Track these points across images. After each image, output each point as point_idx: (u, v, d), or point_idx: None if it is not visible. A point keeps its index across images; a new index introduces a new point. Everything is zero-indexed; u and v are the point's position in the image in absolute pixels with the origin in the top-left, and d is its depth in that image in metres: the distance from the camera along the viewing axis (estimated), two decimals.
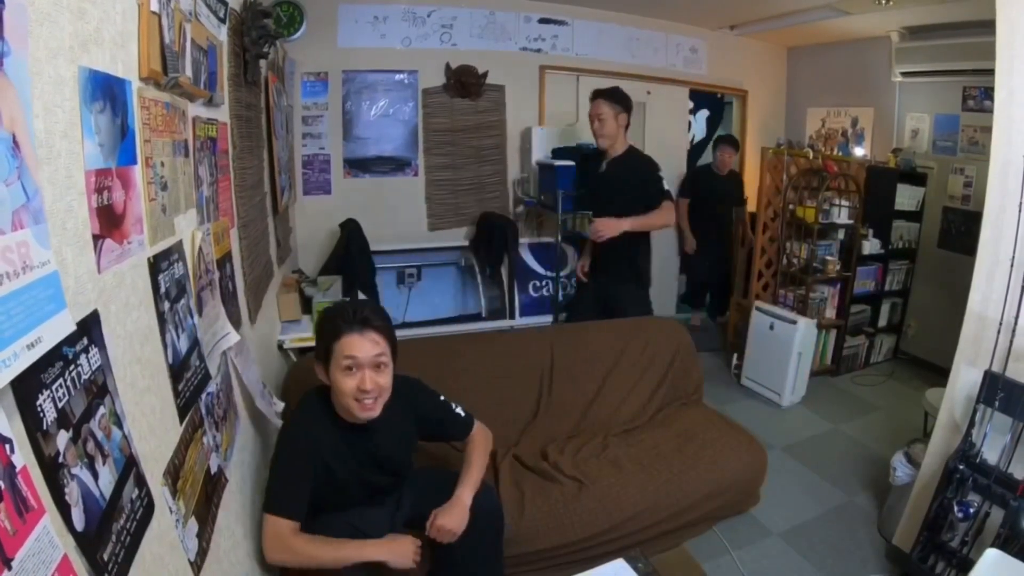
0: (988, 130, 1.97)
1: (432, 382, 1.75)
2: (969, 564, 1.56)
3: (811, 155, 3.89)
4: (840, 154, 4.17)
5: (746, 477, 2.18)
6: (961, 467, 1.79)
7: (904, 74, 3.95)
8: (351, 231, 3.22)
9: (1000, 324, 1.78)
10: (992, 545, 1.51)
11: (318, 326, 1.49)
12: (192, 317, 1.12)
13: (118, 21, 0.84)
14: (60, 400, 0.65)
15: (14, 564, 0.54)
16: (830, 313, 3.83)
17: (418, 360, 1.85)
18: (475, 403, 2.12)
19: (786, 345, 3.35)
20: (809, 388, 3.50)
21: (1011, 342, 1.75)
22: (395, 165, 3.68)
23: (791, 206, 3.82)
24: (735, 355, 3.83)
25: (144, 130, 0.92)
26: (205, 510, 1.11)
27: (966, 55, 3.43)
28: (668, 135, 4.40)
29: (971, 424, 1.81)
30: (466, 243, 3.80)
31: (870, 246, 3.80)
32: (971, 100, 3.62)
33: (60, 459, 0.64)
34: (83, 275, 0.73)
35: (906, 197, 3.85)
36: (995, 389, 1.73)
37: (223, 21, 1.49)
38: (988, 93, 3.42)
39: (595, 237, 2.71)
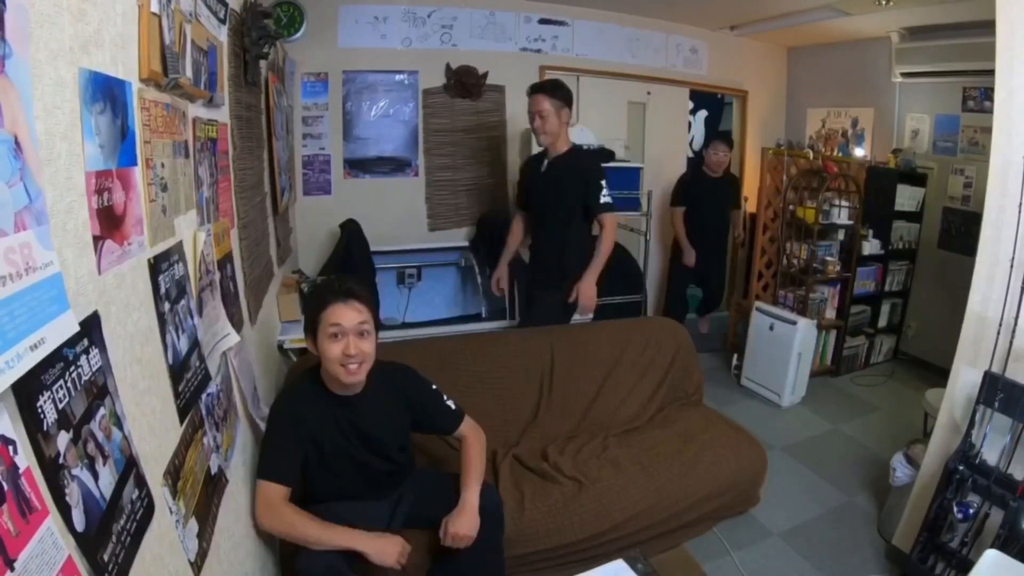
0: (988, 131, 1.97)
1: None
2: (969, 565, 1.56)
3: (811, 156, 3.89)
4: (840, 155, 4.17)
5: (746, 478, 2.18)
6: (961, 468, 1.80)
7: (904, 75, 3.95)
8: (351, 231, 3.22)
9: (1000, 325, 1.78)
10: (992, 546, 1.51)
11: (307, 300, 1.59)
12: (192, 318, 1.12)
13: (118, 22, 0.85)
14: (60, 401, 0.65)
15: (17, 565, 0.54)
16: (830, 314, 3.83)
17: (418, 360, 1.85)
18: (475, 403, 2.13)
19: (786, 346, 3.35)
20: (809, 388, 3.50)
21: (1011, 343, 1.75)
22: (395, 165, 3.68)
23: (791, 207, 3.83)
24: (735, 355, 3.83)
25: (144, 131, 0.92)
26: (206, 510, 1.11)
27: (966, 56, 3.44)
28: (668, 136, 4.40)
29: (971, 425, 1.81)
30: (466, 243, 3.80)
31: (870, 247, 3.80)
32: (971, 101, 3.62)
33: (60, 460, 0.64)
34: (83, 276, 0.73)
35: (906, 197, 3.85)
36: (995, 390, 1.73)
37: (223, 22, 1.49)
38: (988, 94, 3.42)
39: (587, 312, 2.65)
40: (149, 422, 0.90)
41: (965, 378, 1.90)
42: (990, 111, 2.00)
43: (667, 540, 2.03)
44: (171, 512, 0.93)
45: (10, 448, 0.56)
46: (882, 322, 4.06)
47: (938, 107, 3.83)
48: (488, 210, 3.81)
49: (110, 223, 0.80)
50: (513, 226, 2.91)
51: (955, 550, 1.80)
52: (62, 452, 0.64)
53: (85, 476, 0.68)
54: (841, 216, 3.71)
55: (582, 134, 3.53)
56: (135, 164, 0.89)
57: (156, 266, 0.96)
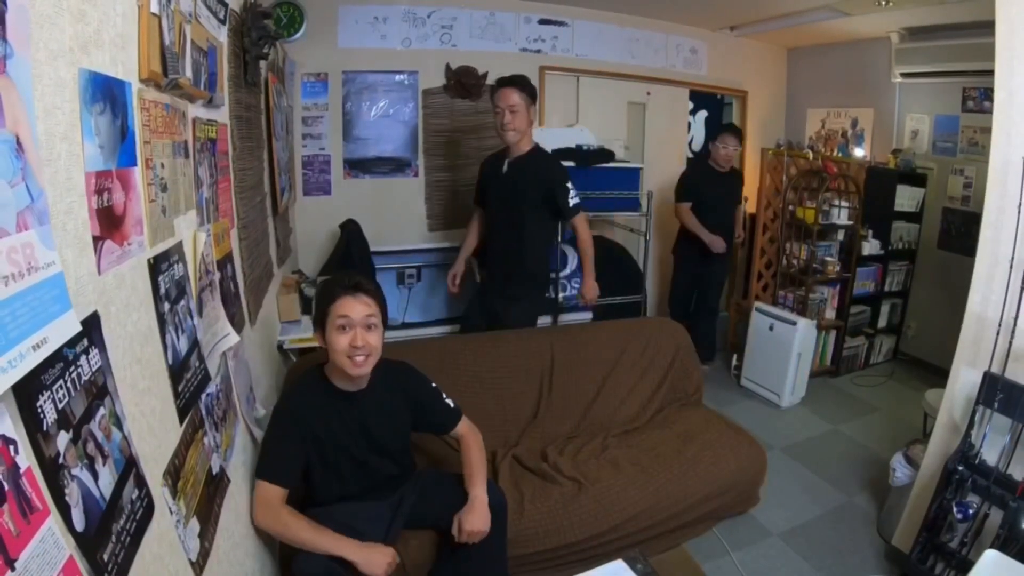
0: (988, 131, 1.97)
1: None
2: (968, 565, 1.56)
3: (811, 156, 3.89)
4: (840, 155, 4.17)
5: (746, 478, 2.18)
6: (960, 468, 1.80)
7: (904, 75, 3.95)
8: (351, 232, 3.22)
9: (999, 325, 1.78)
10: (991, 546, 1.52)
11: (317, 295, 1.60)
12: (192, 318, 1.12)
13: (118, 23, 0.85)
14: (60, 401, 0.65)
15: (18, 565, 0.54)
16: (830, 314, 3.83)
17: (419, 361, 1.85)
18: (475, 403, 2.13)
19: (786, 346, 3.35)
20: (809, 389, 3.50)
21: (1010, 343, 1.75)
22: (395, 166, 3.68)
23: (791, 207, 3.83)
24: (735, 356, 3.83)
25: (144, 131, 0.92)
26: (207, 510, 1.11)
27: (966, 56, 3.44)
28: (668, 136, 4.40)
29: (970, 425, 1.81)
30: None
31: (870, 247, 3.80)
32: (971, 101, 3.62)
33: (60, 460, 0.64)
34: (83, 276, 0.73)
35: (906, 198, 3.85)
36: (994, 390, 1.73)
37: (223, 22, 1.49)
38: (988, 94, 3.42)
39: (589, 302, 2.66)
40: (149, 422, 0.90)
41: (965, 378, 1.90)
42: (990, 111, 2.00)
43: (667, 540, 2.03)
44: (171, 512, 0.93)
45: (11, 448, 0.56)
46: (882, 322, 4.06)
47: (938, 107, 3.84)
48: None
49: (110, 223, 0.80)
50: (472, 223, 2.85)
51: (955, 550, 1.80)
52: (62, 452, 0.64)
53: (85, 476, 0.68)
54: (841, 216, 3.71)
55: (582, 134, 3.53)
56: (135, 164, 0.89)
57: (156, 266, 0.96)
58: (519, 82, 2.44)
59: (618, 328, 2.63)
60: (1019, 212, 1.70)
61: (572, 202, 2.49)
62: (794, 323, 3.36)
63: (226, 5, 1.51)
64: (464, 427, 1.74)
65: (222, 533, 1.20)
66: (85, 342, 0.71)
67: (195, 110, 1.24)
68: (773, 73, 4.83)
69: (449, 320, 3.59)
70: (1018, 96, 1.75)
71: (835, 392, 3.66)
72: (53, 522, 0.60)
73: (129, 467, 0.80)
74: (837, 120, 4.48)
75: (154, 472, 0.89)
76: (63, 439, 0.65)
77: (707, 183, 3.51)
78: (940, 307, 3.81)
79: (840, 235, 3.83)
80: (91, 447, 0.70)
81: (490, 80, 3.73)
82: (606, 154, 3.38)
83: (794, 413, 3.36)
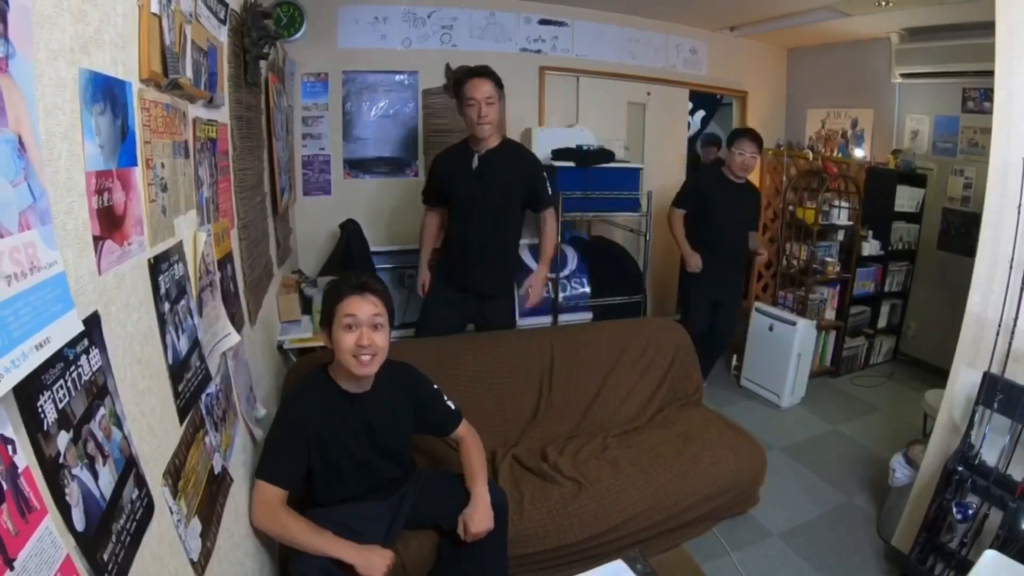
0: (988, 131, 1.97)
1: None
2: (968, 565, 1.56)
3: (811, 156, 3.90)
4: (840, 155, 4.18)
5: (745, 478, 2.18)
6: (960, 468, 1.80)
7: (904, 75, 3.95)
8: (351, 232, 3.22)
9: (999, 326, 1.78)
10: (991, 547, 1.52)
11: (324, 294, 1.60)
12: (192, 318, 1.12)
13: (119, 23, 0.85)
14: (61, 401, 0.65)
15: (16, 564, 0.54)
16: (830, 314, 3.83)
17: (419, 361, 1.85)
18: (475, 403, 2.13)
19: (786, 346, 3.35)
20: (809, 389, 3.50)
21: (1010, 344, 1.75)
22: (395, 166, 3.68)
23: (791, 207, 3.83)
24: (735, 356, 3.83)
25: (144, 131, 0.92)
26: (209, 510, 1.11)
27: (966, 57, 3.44)
28: (668, 137, 4.40)
29: (970, 425, 1.81)
30: None
31: (870, 247, 3.81)
32: (971, 101, 3.62)
33: (60, 460, 0.64)
34: (83, 276, 0.73)
35: (906, 198, 3.85)
36: (994, 390, 1.73)
37: (223, 22, 1.49)
38: (988, 95, 3.43)
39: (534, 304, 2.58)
40: (149, 422, 0.90)
41: (964, 379, 1.91)
42: (990, 112, 2.00)
43: (666, 540, 2.03)
44: (171, 512, 0.93)
45: (9, 448, 0.56)
46: (882, 323, 4.07)
47: (938, 108, 3.84)
48: None
49: (110, 223, 0.80)
50: (424, 225, 2.65)
51: (954, 551, 1.80)
52: (62, 452, 0.64)
53: (85, 476, 0.68)
54: (841, 217, 3.71)
55: (582, 134, 3.53)
56: (135, 164, 0.89)
57: (156, 266, 0.96)
58: (491, 72, 2.33)
59: (618, 328, 2.63)
60: (1019, 212, 1.70)
61: (551, 190, 2.49)
62: (794, 323, 3.36)
63: (226, 5, 1.51)
64: (464, 429, 1.75)
65: (223, 533, 1.20)
66: (85, 342, 0.71)
67: (195, 110, 1.24)
68: (773, 73, 4.83)
69: None
70: (1018, 96, 1.75)
71: (835, 392, 3.66)
72: (50, 521, 0.60)
73: (129, 467, 0.80)
74: (837, 120, 4.48)
75: (154, 472, 0.89)
76: (63, 439, 0.65)
77: (715, 192, 3.06)
78: (940, 307, 3.81)
79: (840, 235, 3.83)
80: (91, 447, 0.70)
81: None
82: (606, 154, 3.38)
83: (794, 413, 3.36)
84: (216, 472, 1.18)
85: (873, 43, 4.08)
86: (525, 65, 3.84)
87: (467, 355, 2.30)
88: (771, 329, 3.46)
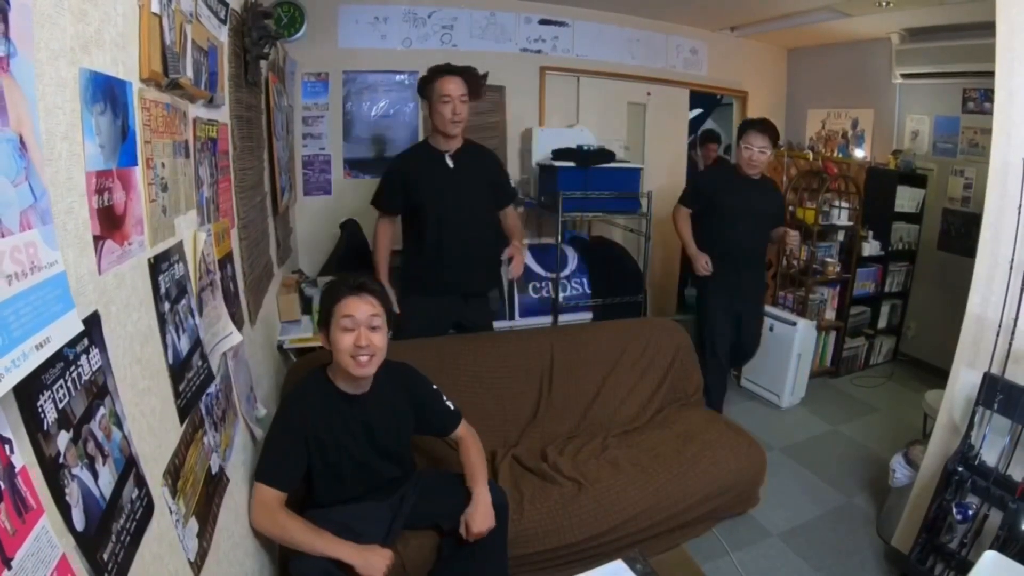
0: (988, 132, 1.97)
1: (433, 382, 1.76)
2: (968, 566, 1.56)
3: (811, 156, 3.90)
4: (840, 155, 4.18)
5: (745, 478, 2.18)
6: (960, 469, 1.80)
7: (904, 76, 3.95)
8: (351, 232, 3.22)
9: (999, 326, 1.78)
10: (991, 547, 1.52)
11: (322, 295, 1.61)
12: (193, 317, 1.12)
13: (119, 23, 0.85)
14: (60, 401, 0.65)
15: (14, 564, 0.54)
16: (830, 314, 3.83)
17: (418, 361, 1.85)
18: (475, 403, 2.13)
19: (786, 346, 3.35)
20: (808, 389, 3.50)
21: (1010, 344, 1.75)
22: None
23: (791, 207, 3.82)
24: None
25: (145, 131, 0.92)
26: (206, 510, 1.11)
27: (966, 57, 3.44)
28: (668, 137, 4.40)
29: (970, 426, 1.81)
30: None
31: (870, 248, 3.81)
32: (971, 102, 3.62)
33: (60, 459, 0.64)
34: (84, 276, 0.73)
35: (906, 199, 3.85)
36: (994, 391, 1.73)
37: (224, 22, 1.49)
38: (988, 95, 3.43)
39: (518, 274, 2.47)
40: (149, 422, 0.90)
41: (964, 379, 1.90)
42: (990, 112, 2.00)
43: (666, 540, 2.03)
44: (171, 512, 0.93)
45: (6, 447, 0.56)
46: (882, 323, 4.06)
47: (938, 108, 3.84)
48: None
49: (110, 223, 0.80)
50: (381, 235, 2.43)
51: (954, 551, 1.80)
52: (62, 452, 0.64)
53: (85, 476, 0.68)
54: (841, 217, 3.71)
55: (582, 134, 3.53)
56: (135, 164, 0.89)
57: (156, 266, 0.96)
58: (466, 73, 2.28)
59: (618, 328, 2.63)
60: (1019, 213, 1.70)
61: (513, 188, 2.53)
62: (794, 324, 3.36)
63: (227, 5, 1.51)
64: (463, 429, 1.75)
65: (222, 533, 1.20)
66: (85, 342, 0.71)
67: (196, 110, 1.24)
68: (773, 73, 4.83)
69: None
70: (1018, 97, 1.75)
71: (835, 393, 3.66)
72: (47, 521, 0.60)
73: (129, 467, 0.80)
74: (837, 121, 4.48)
75: (154, 472, 0.89)
76: (63, 439, 0.65)
77: (726, 190, 2.81)
78: (940, 308, 3.81)
79: (840, 236, 3.83)
80: (91, 447, 0.70)
81: (490, 81, 3.72)
82: (606, 154, 3.38)
83: (794, 414, 3.36)
84: (213, 472, 1.18)
85: (873, 43, 4.08)
86: (525, 65, 3.84)
87: (467, 355, 2.30)
88: (771, 329, 3.46)
